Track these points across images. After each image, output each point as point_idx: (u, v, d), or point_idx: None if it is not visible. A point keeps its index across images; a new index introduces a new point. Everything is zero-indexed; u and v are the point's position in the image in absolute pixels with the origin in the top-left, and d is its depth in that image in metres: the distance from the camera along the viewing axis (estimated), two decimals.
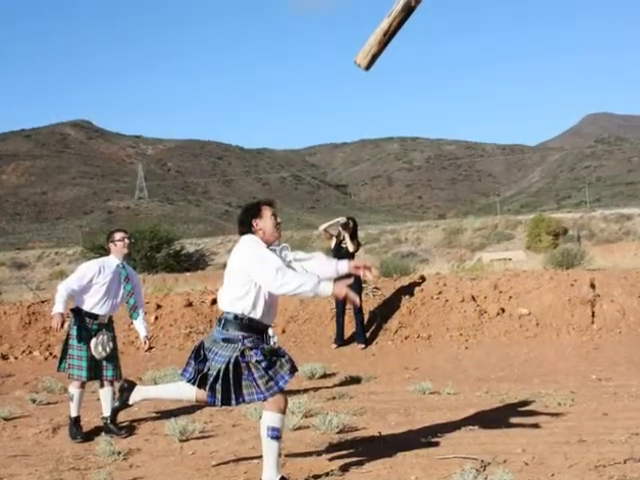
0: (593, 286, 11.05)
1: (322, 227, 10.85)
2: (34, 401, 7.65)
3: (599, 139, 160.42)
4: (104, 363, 6.14)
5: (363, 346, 10.58)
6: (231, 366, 4.29)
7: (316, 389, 7.84)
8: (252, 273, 4.29)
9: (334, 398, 7.23)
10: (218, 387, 4.31)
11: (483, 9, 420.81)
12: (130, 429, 6.24)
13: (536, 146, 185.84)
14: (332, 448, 5.28)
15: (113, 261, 6.24)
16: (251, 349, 4.31)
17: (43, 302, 12.22)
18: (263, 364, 4.29)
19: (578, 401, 6.48)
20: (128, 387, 4.82)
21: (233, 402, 4.35)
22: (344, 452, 5.14)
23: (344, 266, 4.50)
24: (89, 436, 6.07)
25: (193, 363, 4.47)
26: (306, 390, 7.68)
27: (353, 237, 10.46)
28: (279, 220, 4.53)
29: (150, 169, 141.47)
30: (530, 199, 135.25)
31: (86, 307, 6.11)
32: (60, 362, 6.21)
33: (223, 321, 4.40)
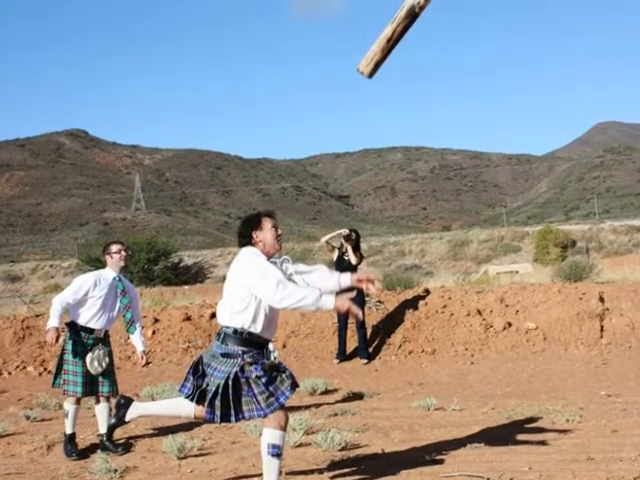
0: (602, 300, 10.96)
1: (324, 239, 10.80)
2: (28, 417, 7.54)
3: (608, 149, 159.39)
4: (100, 379, 6.04)
5: (366, 361, 10.47)
6: (230, 382, 4.23)
7: (318, 405, 7.76)
8: (252, 286, 4.23)
9: (336, 414, 7.14)
10: (217, 403, 4.26)
11: (488, 16, 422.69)
12: (127, 446, 6.15)
13: (543, 156, 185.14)
14: (334, 466, 5.20)
15: (109, 274, 6.16)
16: (251, 364, 4.26)
17: (37, 316, 12.16)
18: (263, 380, 4.23)
19: (586, 417, 6.39)
20: (125, 403, 4.78)
21: (232, 419, 4.29)
22: (346, 470, 5.07)
23: (346, 279, 4.43)
24: (85, 453, 5.98)
25: (191, 378, 4.42)
26: (307, 406, 7.61)
27: (355, 249, 10.38)
28: (280, 232, 4.49)
29: (147, 179, 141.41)
30: (537, 210, 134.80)
31: (81, 321, 6.01)
32: (55, 378, 6.11)
33: (222, 335, 4.34)
